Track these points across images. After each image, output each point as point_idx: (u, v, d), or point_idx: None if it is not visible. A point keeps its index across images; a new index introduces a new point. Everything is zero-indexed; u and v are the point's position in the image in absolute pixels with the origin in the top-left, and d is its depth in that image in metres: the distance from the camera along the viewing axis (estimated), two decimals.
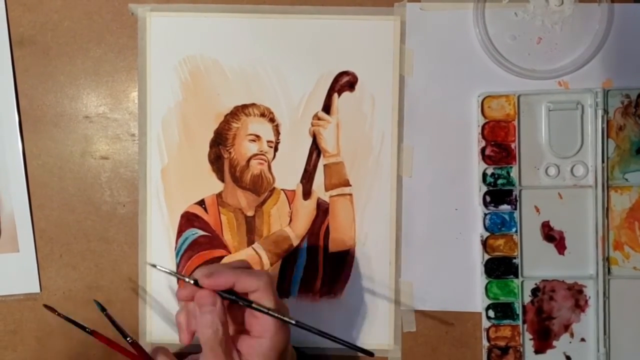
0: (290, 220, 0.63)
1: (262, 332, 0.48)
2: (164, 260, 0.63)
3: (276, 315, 0.48)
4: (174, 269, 0.63)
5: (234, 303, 0.49)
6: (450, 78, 0.61)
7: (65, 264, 0.63)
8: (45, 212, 0.63)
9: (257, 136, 0.62)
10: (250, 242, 0.63)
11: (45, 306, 0.57)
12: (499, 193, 0.61)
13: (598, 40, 0.61)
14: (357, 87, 0.62)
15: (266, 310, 0.48)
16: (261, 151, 0.63)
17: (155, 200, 0.63)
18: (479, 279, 0.62)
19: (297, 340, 0.61)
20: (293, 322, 0.48)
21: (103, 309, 0.56)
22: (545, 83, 0.61)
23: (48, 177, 0.63)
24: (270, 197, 0.63)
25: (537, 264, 0.61)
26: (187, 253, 0.63)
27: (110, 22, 0.62)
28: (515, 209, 0.61)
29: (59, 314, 0.56)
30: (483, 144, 0.61)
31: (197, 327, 0.48)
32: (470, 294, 0.62)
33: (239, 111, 0.62)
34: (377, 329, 0.63)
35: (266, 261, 0.63)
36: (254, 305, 0.48)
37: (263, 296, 0.48)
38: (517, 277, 0.61)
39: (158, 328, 0.63)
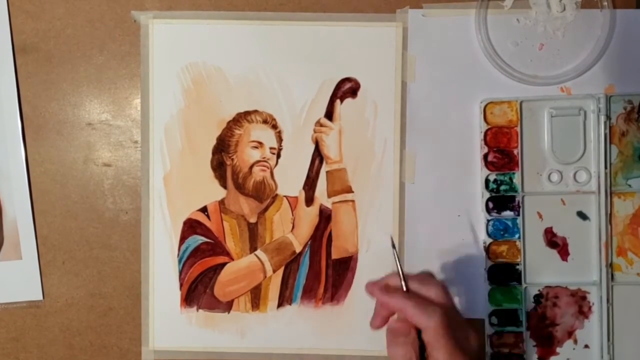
0: (293, 227, 0.63)
1: None
2: (167, 268, 0.63)
3: None
4: (177, 275, 0.63)
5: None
6: (452, 84, 0.61)
7: (67, 271, 0.63)
8: (48, 219, 0.63)
9: (260, 143, 0.62)
10: (252, 249, 0.63)
11: None
12: (502, 199, 0.61)
13: (600, 46, 0.60)
14: (359, 93, 0.62)
15: None
16: (263, 158, 0.62)
17: (157, 207, 0.63)
18: (482, 286, 0.61)
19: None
20: None
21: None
22: (548, 89, 0.61)
23: (51, 184, 0.63)
24: (273, 203, 0.63)
25: (540, 271, 0.61)
26: (189, 260, 0.63)
27: (113, 30, 0.63)
28: (518, 215, 0.61)
29: None
30: (485, 150, 0.61)
31: (391, 355, 0.48)
32: (474, 300, 0.62)
33: (242, 118, 0.62)
34: (380, 336, 0.62)
35: (269, 268, 0.62)
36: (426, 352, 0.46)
37: (434, 340, 0.46)
38: (520, 283, 0.61)
39: (160, 335, 0.63)
